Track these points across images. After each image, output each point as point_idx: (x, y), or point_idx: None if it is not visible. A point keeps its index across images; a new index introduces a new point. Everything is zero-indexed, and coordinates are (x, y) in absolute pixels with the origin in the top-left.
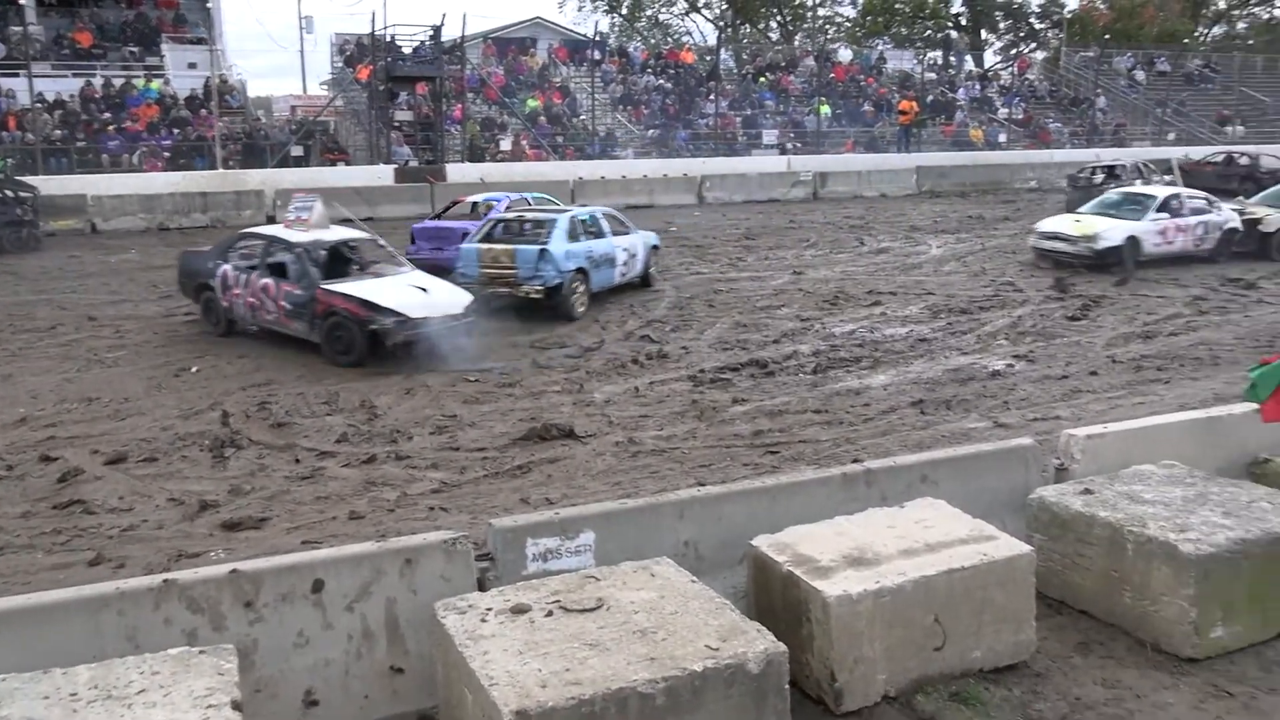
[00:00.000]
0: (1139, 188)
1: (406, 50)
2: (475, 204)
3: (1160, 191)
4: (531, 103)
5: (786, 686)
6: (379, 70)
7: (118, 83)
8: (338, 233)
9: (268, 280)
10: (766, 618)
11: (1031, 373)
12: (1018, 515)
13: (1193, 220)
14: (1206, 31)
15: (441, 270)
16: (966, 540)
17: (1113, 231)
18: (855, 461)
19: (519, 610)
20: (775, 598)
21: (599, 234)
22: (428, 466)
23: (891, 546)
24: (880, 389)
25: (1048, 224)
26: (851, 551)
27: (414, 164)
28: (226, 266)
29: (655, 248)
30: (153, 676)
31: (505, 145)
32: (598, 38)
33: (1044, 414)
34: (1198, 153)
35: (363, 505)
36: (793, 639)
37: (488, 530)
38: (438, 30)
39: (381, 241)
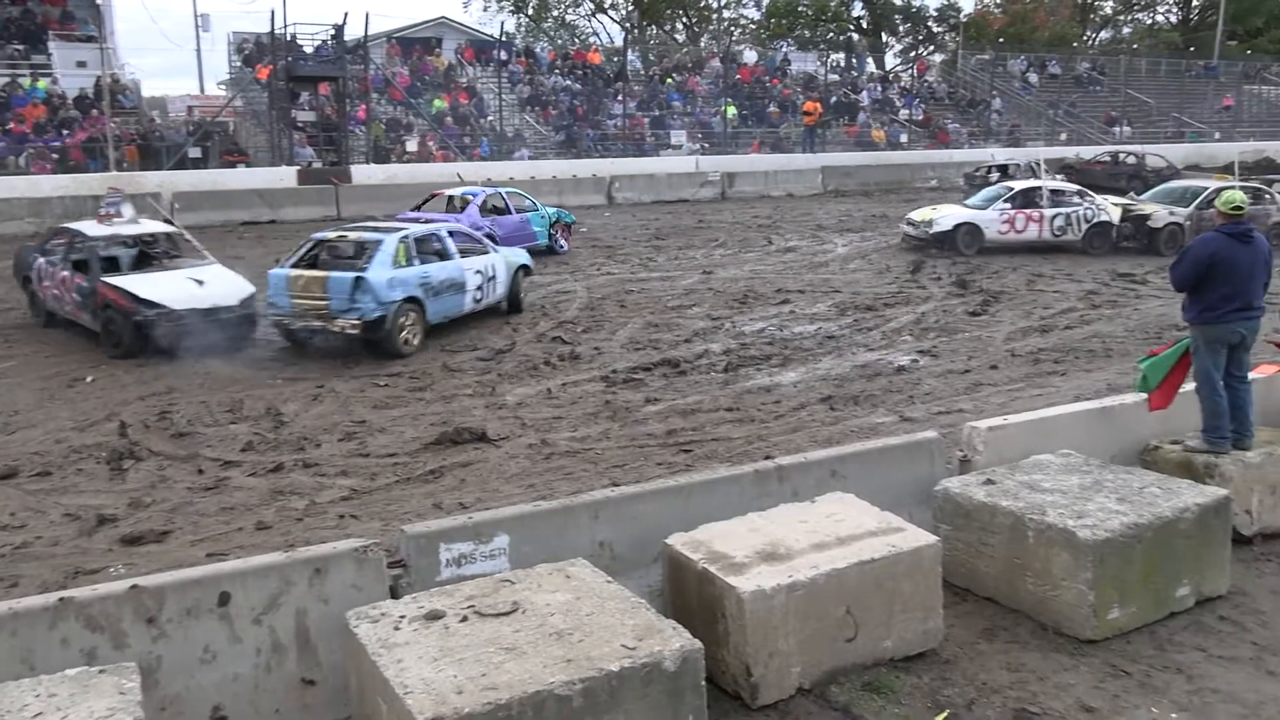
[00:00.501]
0: (1006, 183)
1: (308, 49)
2: (451, 197)
3: (1017, 185)
4: (438, 103)
5: (703, 683)
6: (279, 70)
7: (1, 82)
8: (141, 228)
9: (65, 273)
10: (682, 615)
11: (935, 367)
12: (924, 506)
13: (1050, 212)
14: (1094, 36)
15: None
16: (876, 532)
17: (947, 218)
18: (767, 458)
19: (433, 616)
20: (690, 595)
21: (444, 255)
22: (337, 474)
23: (803, 541)
24: (790, 386)
25: (913, 213)
26: (765, 547)
27: (317, 165)
28: (41, 260)
29: (525, 268)
30: (49, 699)
31: (411, 146)
32: (504, 38)
33: (948, 407)
34: (1088, 152)
35: (270, 515)
36: (708, 635)
37: (400, 537)
38: (340, 29)
39: (189, 237)
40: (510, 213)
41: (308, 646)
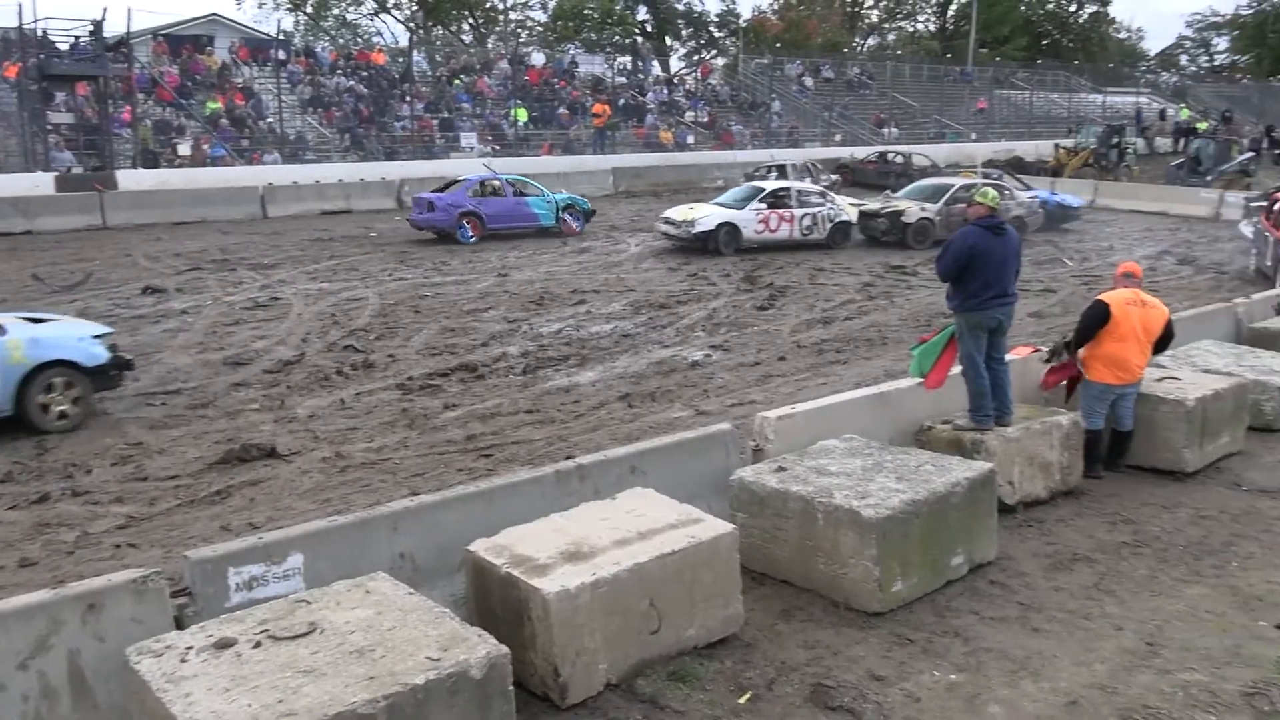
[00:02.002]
0: (758, 182)
1: (63, 46)
2: (482, 182)
3: (769, 185)
4: (212, 104)
5: (511, 688)
6: (30, 68)
7: None
8: None
9: None
10: (488, 621)
11: (727, 361)
12: (721, 497)
13: (799, 212)
14: (862, 43)
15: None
16: (675, 525)
17: (709, 218)
18: (568, 458)
19: (223, 645)
20: (495, 600)
21: None
22: (111, 501)
23: (606, 538)
24: (589, 385)
25: (669, 211)
26: (568, 547)
27: (78, 171)
28: None
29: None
30: None
31: (184, 150)
32: (281, 37)
33: (740, 399)
34: (861, 152)
35: (35, 550)
36: (515, 639)
37: (183, 563)
38: (99, 25)
39: None
40: (506, 196)
41: (84, 689)
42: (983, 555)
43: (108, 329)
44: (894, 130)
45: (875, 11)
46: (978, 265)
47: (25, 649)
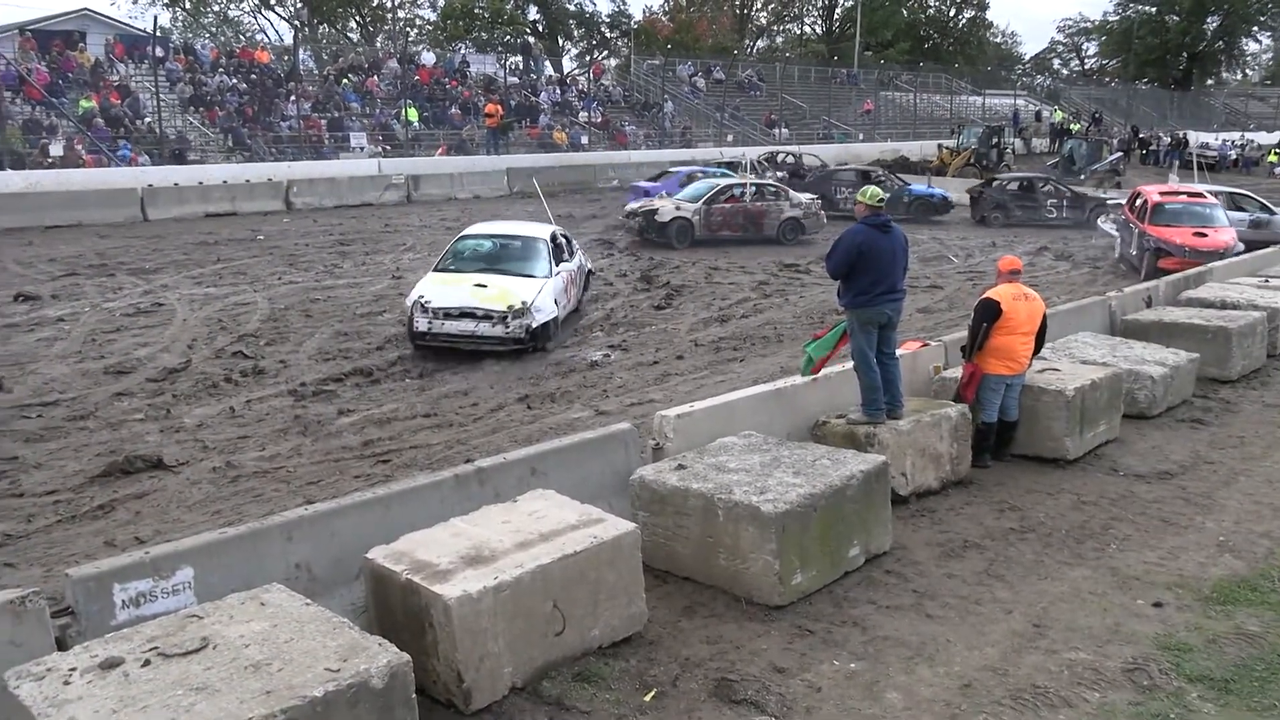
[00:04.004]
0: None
1: None
2: (690, 175)
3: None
4: (85, 103)
5: (413, 696)
6: None
7: None
8: None
9: None
10: (389, 630)
11: (626, 360)
12: (622, 496)
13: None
14: (751, 44)
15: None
16: (577, 525)
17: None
18: (467, 461)
19: (110, 665)
20: (396, 608)
21: None
22: None
23: (507, 541)
24: (488, 388)
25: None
26: (469, 551)
27: None
28: None
29: None
30: None
31: (56, 150)
32: (159, 33)
33: (640, 398)
34: (754, 152)
35: None
36: (417, 647)
37: (65, 582)
38: None
39: None
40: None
41: None
42: (878, 546)
43: None
44: (784, 131)
45: (764, 14)
46: (866, 262)
47: None
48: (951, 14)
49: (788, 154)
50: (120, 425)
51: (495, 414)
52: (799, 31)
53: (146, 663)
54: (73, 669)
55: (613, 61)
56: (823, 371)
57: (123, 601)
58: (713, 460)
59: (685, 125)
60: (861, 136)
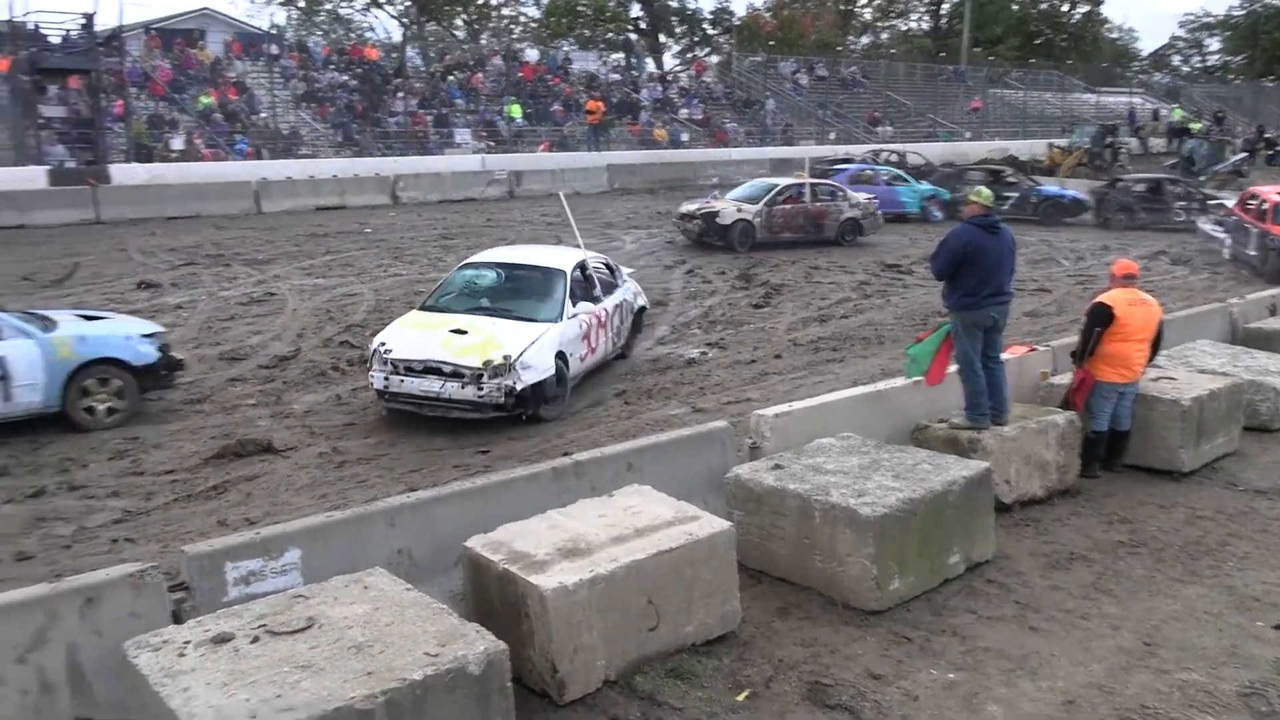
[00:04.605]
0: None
1: (54, 39)
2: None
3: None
4: (205, 99)
5: (509, 684)
6: (21, 61)
7: None
8: None
9: None
10: (486, 618)
11: (724, 359)
12: (718, 494)
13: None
14: (856, 41)
15: None
16: (672, 522)
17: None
18: (565, 455)
19: (221, 639)
20: (493, 597)
21: None
22: (108, 495)
23: (603, 535)
24: (586, 382)
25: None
26: (565, 543)
27: (71, 165)
28: None
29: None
30: None
31: (177, 144)
32: (274, 31)
33: (736, 397)
34: (856, 150)
35: (32, 544)
36: (513, 636)
37: (181, 558)
38: (90, 19)
39: None
40: (879, 184)
41: (82, 683)
42: (980, 554)
43: (159, 328)
44: (888, 129)
45: (868, 10)
46: (972, 263)
47: (23, 643)
48: (1065, 9)
49: (891, 152)
50: (234, 410)
51: (593, 409)
52: (905, 28)
53: (255, 639)
54: (187, 642)
55: (714, 59)
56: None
57: (234, 579)
58: (810, 461)
59: (786, 123)
60: (968, 135)
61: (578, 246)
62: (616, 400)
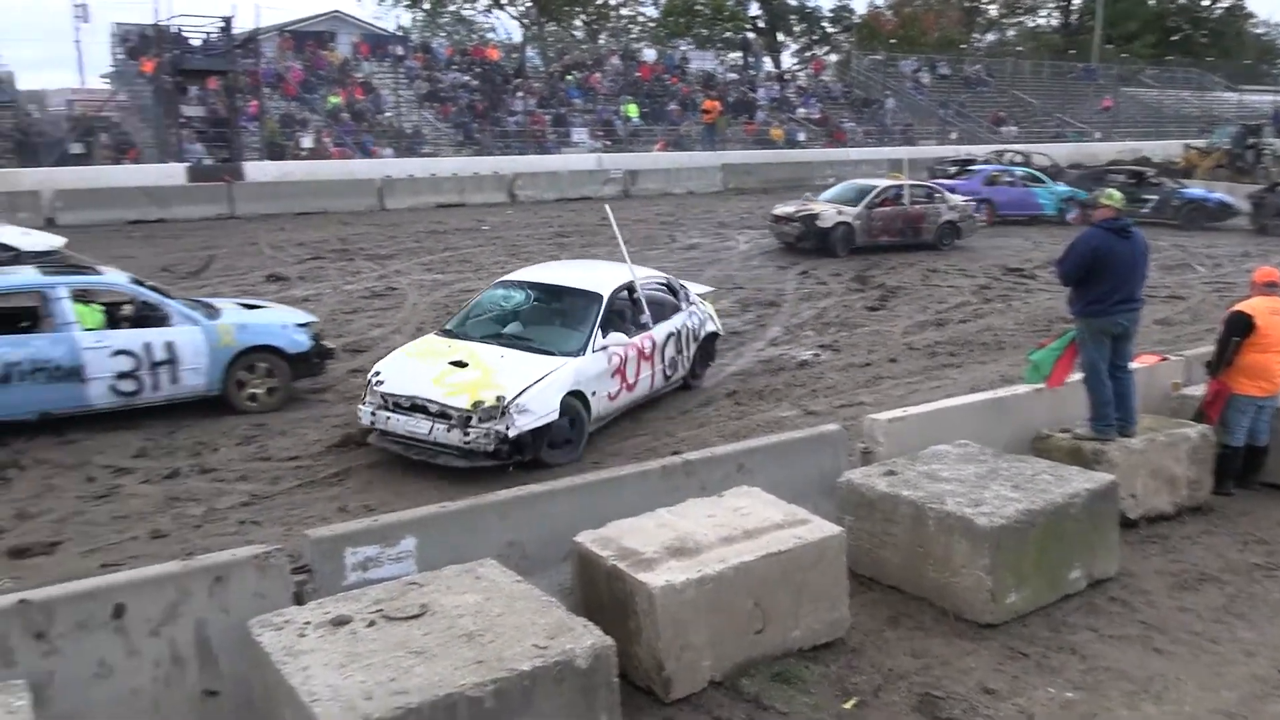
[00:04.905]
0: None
1: (195, 42)
2: (995, 175)
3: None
4: (333, 99)
5: (616, 679)
6: (166, 63)
7: None
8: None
9: None
10: (594, 613)
11: (837, 361)
12: (829, 498)
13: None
14: (980, 38)
15: None
16: (782, 525)
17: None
18: (674, 454)
19: (339, 622)
20: (601, 592)
21: (57, 322)
22: (236, 479)
23: (712, 535)
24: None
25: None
26: (673, 542)
27: (208, 162)
28: None
29: (270, 350)
30: None
31: (307, 143)
32: (400, 32)
33: (849, 400)
34: (979, 150)
35: (166, 523)
36: (620, 632)
37: (303, 542)
38: (229, 22)
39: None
40: (1016, 185)
41: (209, 658)
42: (1102, 570)
43: (312, 318)
44: (1012, 129)
45: (994, 7)
46: (1102, 268)
47: (157, 617)
48: (1205, 3)
49: (1015, 153)
50: (355, 399)
51: (703, 408)
52: (1032, 24)
53: (372, 623)
54: (307, 623)
55: (833, 57)
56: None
57: (352, 564)
58: (925, 468)
59: (907, 123)
60: (1098, 135)
61: (625, 262)
62: (727, 400)
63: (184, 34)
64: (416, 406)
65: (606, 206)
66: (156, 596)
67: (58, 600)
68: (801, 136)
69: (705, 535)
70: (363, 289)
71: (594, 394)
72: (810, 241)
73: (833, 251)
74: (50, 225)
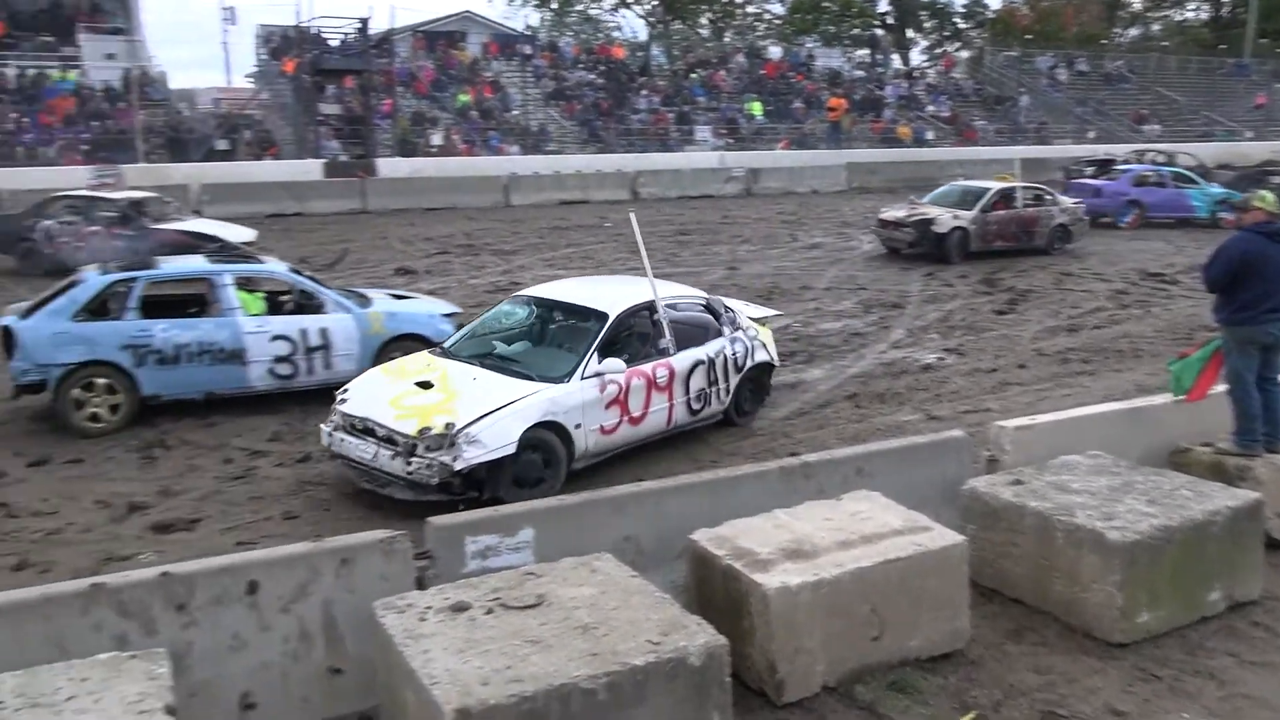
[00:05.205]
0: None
1: (334, 43)
2: (1143, 175)
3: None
4: (463, 97)
5: (728, 679)
6: (305, 63)
7: (31, 74)
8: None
9: (98, 227)
10: (707, 611)
11: (962, 366)
12: (951, 506)
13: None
14: (1122, 33)
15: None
16: (901, 531)
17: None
18: (792, 455)
19: (459, 608)
20: (716, 591)
21: (223, 308)
22: None
23: (829, 538)
24: (815, 383)
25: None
26: (789, 544)
27: (344, 159)
28: (50, 222)
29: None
30: (82, 683)
31: (437, 140)
32: (528, 32)
33: (975, 406)
34: (1120, 150)
35: (298, 505)
36: (733, 632)
37: (426, 528)
38: (365, 23)
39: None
40: (1167, 187)
41: (335, 636)
42: (1245, 593)
43: (457, 309)
44: (1155, 127)
45: (1138, 0)
46: (1251, 275)
47: (288, 595)
48: None
49: (1158, 152)
50: None
51: (822, 410)
52: (1179, 18)
53: (490, 611)
54: (428, 607)
55: (965, 54)
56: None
57: (472, 552)
58: (1053, 478)
59: (1041, 121)
60: (1249, 135)
61: (648, 277)
62: (847, 403)
63: (323, 34)
64: (368, 429)
65: (631, 214)
66: (288, 575)
67: (197, 575)
68: (930, 135)
69: (822, 538)
70: (487, 283)
71: (578, 426)
72: (924, 247)
73: (946, 258)
74: (196, 218)
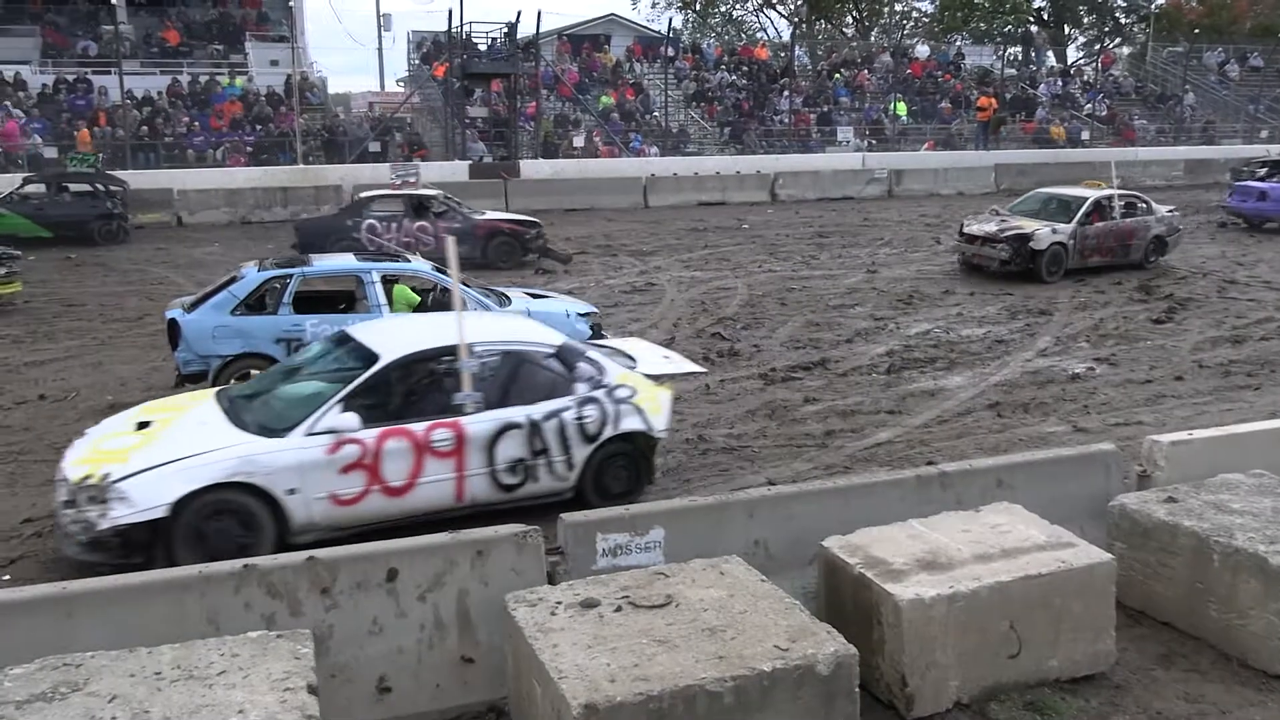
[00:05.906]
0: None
1: (482, 47)
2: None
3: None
4: (605, 99)
5: (856, 689)
6: (455, 67)
7: (203, 80)
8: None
9: (423, 221)
10: (836, 619)
11: (1113, 376)
12: (1098, 522)
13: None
14: None
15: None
16: (1044, 546)
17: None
18: (929, 464)
19: (588, 604)
20: (846, 599)
21: (370, 304)
22: None
23: (966, 551)
24: (955, 390)
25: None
26: (924, 555)
27: (488, 160)
28: (371, 220)
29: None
30: (232, 658)
31: (578, 142)
32: (671, 34)
33: (1126, 419)
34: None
35: None
36: (863, 642)
37: (558, 524)
38: (513, 27)
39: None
40: None
41: (468, 625)
42: None
43: (592, 308)
44: None
45: None
46: None
47: (425, 583)
48: None
49: None
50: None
51: (962, 418)
52: None
53: (619, 608)
54: (558, 602)
55: (1125, 50)
56: None
57: (603, 550)
58: (1211, 497)
59: (1207, 119)
60: None
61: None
62: (988, 412)
63: (472, 39)
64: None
65: (450, 239)
66: (425, 564)
67: (341, 560)
68: (1085, 135)
69: (959, 550)
70: (624, 284)
71: (292, 492)
72: (1018, 264)
73: (1039, 277)
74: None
